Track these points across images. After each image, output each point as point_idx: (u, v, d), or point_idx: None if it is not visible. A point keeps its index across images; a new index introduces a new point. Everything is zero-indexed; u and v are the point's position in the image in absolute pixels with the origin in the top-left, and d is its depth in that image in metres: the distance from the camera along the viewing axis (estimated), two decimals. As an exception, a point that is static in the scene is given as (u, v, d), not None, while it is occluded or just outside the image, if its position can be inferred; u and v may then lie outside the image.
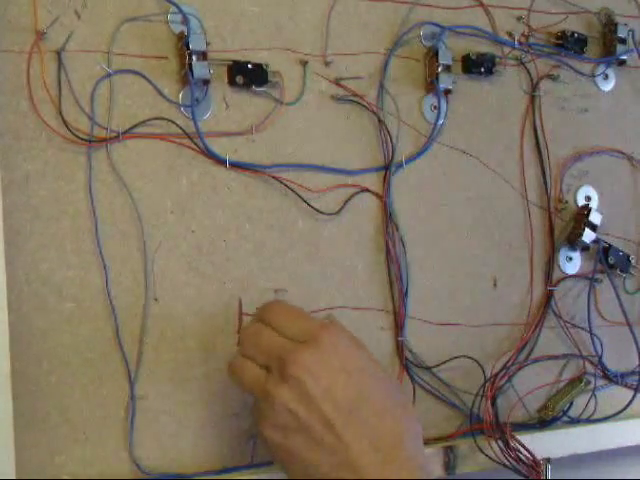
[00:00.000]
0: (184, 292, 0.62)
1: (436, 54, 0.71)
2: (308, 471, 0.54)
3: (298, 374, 0.53)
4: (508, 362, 0.73)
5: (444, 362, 0.71)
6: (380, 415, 0.55)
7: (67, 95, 0.59)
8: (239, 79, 0.64)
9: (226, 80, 0.64)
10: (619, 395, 0.78)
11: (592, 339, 0.77)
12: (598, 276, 0.78)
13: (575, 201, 0.78)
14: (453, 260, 0.72)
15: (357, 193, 0.69)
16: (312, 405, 0.53)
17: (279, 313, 0.57)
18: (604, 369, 0.78)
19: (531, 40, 0.76)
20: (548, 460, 0.69)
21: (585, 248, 0.77)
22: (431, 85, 0.71)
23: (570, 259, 0.78)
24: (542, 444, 0.71)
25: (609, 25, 0.80)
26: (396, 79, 0.71)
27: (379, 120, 0.70)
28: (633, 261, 0.80)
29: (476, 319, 0.73)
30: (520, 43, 0.76)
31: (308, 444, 0.54)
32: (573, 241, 0.77)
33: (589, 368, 0.77)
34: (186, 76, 0.61)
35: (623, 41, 0.80)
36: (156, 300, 0.61)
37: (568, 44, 0.77)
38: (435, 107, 0.72)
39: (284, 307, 0.59)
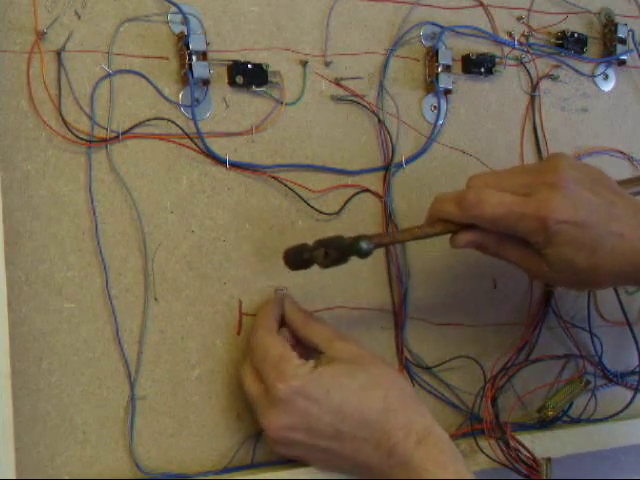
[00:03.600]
0: (184, 292, 0.62)
1: (436, 54, 0.71)
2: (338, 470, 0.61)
3: (277, 435, 0.58)
4: (508, 362, 0.73)
5: (444, 362, 0.71)
6: (362, 417, 0.58)
7: (67, 95, 0.59)
8: (239, 79, 0.64)
9: (226, 80, 0.64)
10: (619, 395, 0.78)
11: (592, 339, 0.77)
12: (598, 276, 0.78)
13: (575, 201, 0.78)
14: (453, 260, 0.72)
15: (357, 193, 0.69)
16: (306, 446, 0.59)
17: (253, 350, 0.61)
18: (604, 369, 0.78)
19: (531, 40, 0.76)
20: (548, 460, 0.69)
21: (585, 248, 0.77)
22: (431, 85, 0.71)
23: (570, 259, 0.78)
24: (542, 444, 0.71)
25: (609, 25, 0.80)
26: (396, 79, 0.71)
27: (379, 120, 0.70)
28: (633, 261, 0.80)
29: (476, 319, 0.73)
30: (520, 43, 0.76)
31: (319, 460, 0.60)
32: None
33: (589, 368, 0.77)
34: (186, 76, 0.61)
35: (623, 41, 0.80)
36: (156, 300, 0.61)
37: (568, 44, 0.77)
38: (435, 107, 0.72)
39: (256, 342, 0.61)
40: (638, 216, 0.60)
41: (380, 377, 0.60)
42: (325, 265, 0.60)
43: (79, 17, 0.59)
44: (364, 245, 0.57)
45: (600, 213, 0.59)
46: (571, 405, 0.75)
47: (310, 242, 0.61)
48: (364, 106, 0.69)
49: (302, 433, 0.58)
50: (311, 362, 0.59)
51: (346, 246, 0.59)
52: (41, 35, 0.57)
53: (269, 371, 0.58)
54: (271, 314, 0.62)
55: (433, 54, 0.71)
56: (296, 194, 0.66)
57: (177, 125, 0.62)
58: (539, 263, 0.61)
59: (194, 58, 0.61)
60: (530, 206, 0.59)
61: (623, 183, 0.66)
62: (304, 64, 0.67)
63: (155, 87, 0.62)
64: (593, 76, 0.80)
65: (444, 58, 0.71)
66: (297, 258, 0.61)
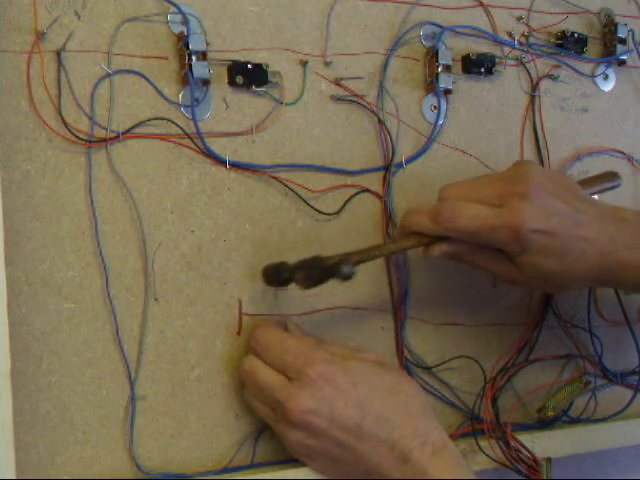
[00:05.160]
0: (184, 292, 0.62)
1: (436, 54, 0.71)
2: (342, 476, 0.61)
3: (301, 418, 0.58)
4: (508, 362, 0.73)
5: (444, 362, 0.71)
6: (384, 417, 0.59)
7: (67, 95, 0.59)
8: (239, 79, 0.64)
9: (226, 80, 0.64)
10: (619, 395, 0.78)
11: (592, 339, 0.77)
12: (598, 276, 0.78)
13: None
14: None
15: (357, 193, 0.69)
16: (324, 436, 0.58)
17: (267, 347, 0.61)
18: (604, 369, 0.78)
19: (531, 40, 0.76)
20: (548, 460, 0.69)
21: (585, 248, 0.77)
22: (431, 85, 0.71)
23: (570, 259, 0.78)
24: (542, 444, 0.71)
25: (609, 25, 0.80)
26: (396, 79, 0.71)
27: (379, 120, 0.70)
28: (633, 261, 0.79)
29: (476, 319, 0.73)
30: (520, 43, 0.76)
31: (333, 463, 0.60)
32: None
33: (589, 368, 0.77)
34: (186, 76, 0.61)
35: (623, 41, 0.80)
36: (156, 300, 0.61)
37: (568, 44, 0.77)
38: (435, 107, 0.72)
39: (269, 338, 0.61)
40: (602, 220, 0.62)
41: (404, 385, 0.62)
42: (306, 286, 0.61)
43: (79, 17, 0.59)
44: (345, 269, 0.59)
45: (568, 220, 0.61)
46: (571, 405, 0.75)
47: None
48: (364, 106, 0.69)
49: (324, 420, 0.58)
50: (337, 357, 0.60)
51: (327, 268, 0.60)
52: (41, 35, 0.57)
53: (292, 360, 0.59)
54: (273, 322, 0.64)
55: (433, 54, 0.71)
56: (296, 194, 0.66)
57: (177, 125, 0.62)
58: (511, 270, 0.63)
59: (194, 58, 0.61)
60: (503, 217, 0.60)
61: (583, 183, 0.68)
62: (304, 64, 0.67)
63: (155, 87, 0.62)
64: (593, 76, 0.80)
65: (444, 58, 0.71)
66: (276, 277, 0.62)
